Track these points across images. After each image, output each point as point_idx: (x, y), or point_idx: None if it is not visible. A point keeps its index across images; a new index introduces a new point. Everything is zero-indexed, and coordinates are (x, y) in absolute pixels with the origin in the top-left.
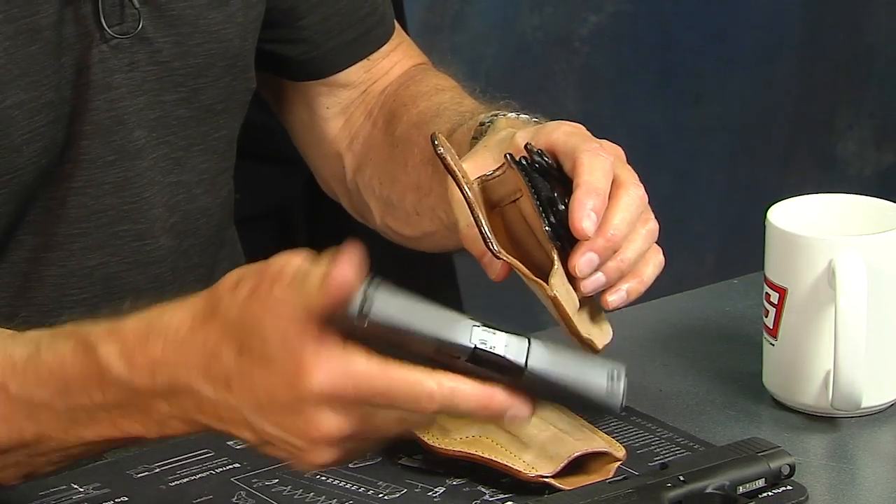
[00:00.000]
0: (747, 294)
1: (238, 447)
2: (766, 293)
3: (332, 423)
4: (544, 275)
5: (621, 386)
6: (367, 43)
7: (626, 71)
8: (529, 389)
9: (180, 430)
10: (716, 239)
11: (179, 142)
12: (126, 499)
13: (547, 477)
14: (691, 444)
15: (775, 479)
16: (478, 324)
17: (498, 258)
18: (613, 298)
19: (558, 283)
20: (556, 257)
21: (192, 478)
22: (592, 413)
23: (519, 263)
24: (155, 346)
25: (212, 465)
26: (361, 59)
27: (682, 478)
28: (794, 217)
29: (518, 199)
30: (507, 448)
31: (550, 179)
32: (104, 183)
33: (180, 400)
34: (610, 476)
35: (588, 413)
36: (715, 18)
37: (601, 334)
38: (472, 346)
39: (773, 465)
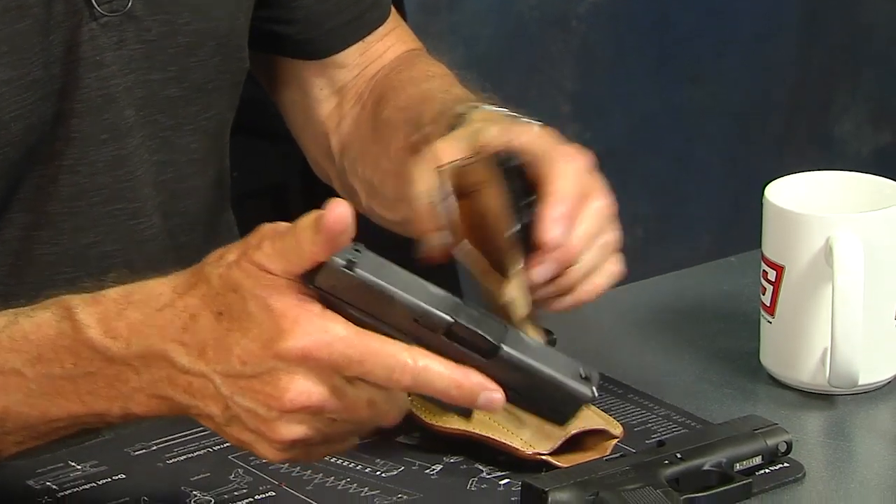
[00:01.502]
0: (744, 272)
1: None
2: (764, 271)
3: (303, 388)
4: (492, 269)
5: (592, 385)
6: (363, 25)
7: (623, 51)
8: (503, 372)
9: (144, 407)
10: (713, 219)
11: (168, 121)
12: (124, 476)
13: (544, 454)
14: (688, 421)
15: (772, 457)
16: (458, 299)
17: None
18: (557, 305)
19: (515, 288)
20: (521, 262)
21: (190, 455)
22: (564, 406)
23: (481, 258)
24: (134, 313)
25: (209, 443)
26: (357, 41)
27: (679, 455)
28: (791, 194)
29: (479, 191)
30: (505, 426)
31: (519, 181)
32: (97, 161)
33: (152, 370)
34: (607, 454)
35: (559, 407)
36: None
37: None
38: (452, 319)
39: (770, 442)
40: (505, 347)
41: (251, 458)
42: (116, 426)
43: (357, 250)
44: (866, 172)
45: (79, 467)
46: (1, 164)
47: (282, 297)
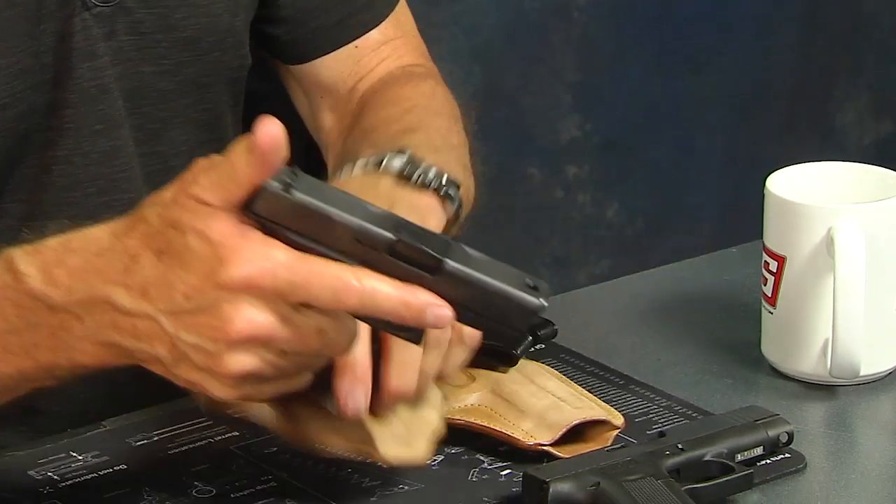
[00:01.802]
0: (746, 263)
1: (237, 415)
2: (765, 261)
3: (248, 316)
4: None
5: (541, 295)
6: (352, 27)
7: (624, 42)
8: (449, 288)
9: (90, 356)
10: (714, 209)
11: (158, 113)
12: (125, 467)
13: (545, 445)
14: (689, 412)
15: (773, 447)
16: (400, 218)
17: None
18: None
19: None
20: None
21: (191, 446)
22: (513, 319)
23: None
24: (73, 259)
25: (210, 434)
26: (346, 43)
27: (680, 446)
28: (793, 185)
29: None
30: (506, 416)
31: None
32: (92, 152)
33: (96, 315)
34: (608, 444)
35: (509, 322)
36: None
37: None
38: (393, 236)
39: (772, 433)
40: (449, 261)
41: (253, 449)
42: (67, 381)
43: (294, 173)
44: (868, 162)
45: (80, 458)
46: None
47: (221, 228)
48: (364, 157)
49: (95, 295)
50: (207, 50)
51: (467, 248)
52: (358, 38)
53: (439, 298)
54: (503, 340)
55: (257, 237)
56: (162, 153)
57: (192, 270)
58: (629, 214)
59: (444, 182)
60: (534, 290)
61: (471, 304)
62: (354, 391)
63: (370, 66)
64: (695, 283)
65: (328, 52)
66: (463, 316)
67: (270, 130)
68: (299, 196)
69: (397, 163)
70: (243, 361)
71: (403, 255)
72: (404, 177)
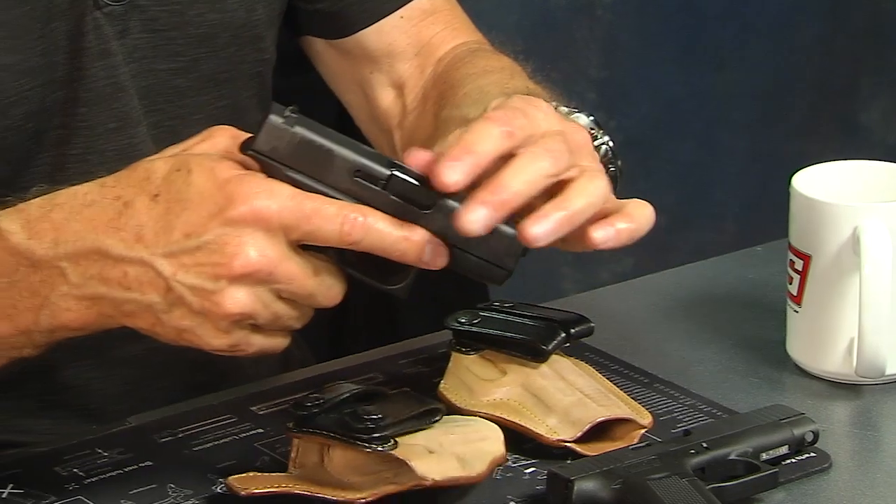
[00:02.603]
0: (771, 261)
1: (261, 413)
2: (791, 260)
3: (252, 249)
4: None
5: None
6: None
7: (648, 39)
8: (442, 224)
9: (73, 314)
10: (737, 206)
11: (175, 110)
12: (150, 463)
13: (568, 442)
14: (714, 411)
15: (799, 446)
16: (393, 159)
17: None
18: (538, 231)
19: (420, 463)
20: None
21: (216, 443)
22: (503, 252)
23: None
24: (59, 213)
25: (235, 431)
26: (390, 13)
27: (705, 444)
28: (818, 184)
29: None
30: (532, 411)
31: None
32: (106, 150)
33: (81, 267)
34: (634, 443)
35: (499, 255)
36: None
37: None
38: (390, 172)
39: (797, 432)
40: (441, 199)
41: (277, 446)
42: (44, 350)
43: (293, 111)
44: (892, 159)
45: (105, 454)
46: (2, 149)
47: (227, 167)
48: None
49: (83, 246)
50: (223, 46)
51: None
52: (401, 7)
53: (436, 238)
54: (492, 279)
55: (262, 176)
56: None
57: (195, 209)
58: None
59: (612, 158)
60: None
61: (458, 241)
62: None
63: (426, 35)
64: (719, 281)
65: (372, 23)
66: (451, 253)
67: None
68: (301, 131)
69: (584, 120)
70: (241, 300)
71: (398, 190)
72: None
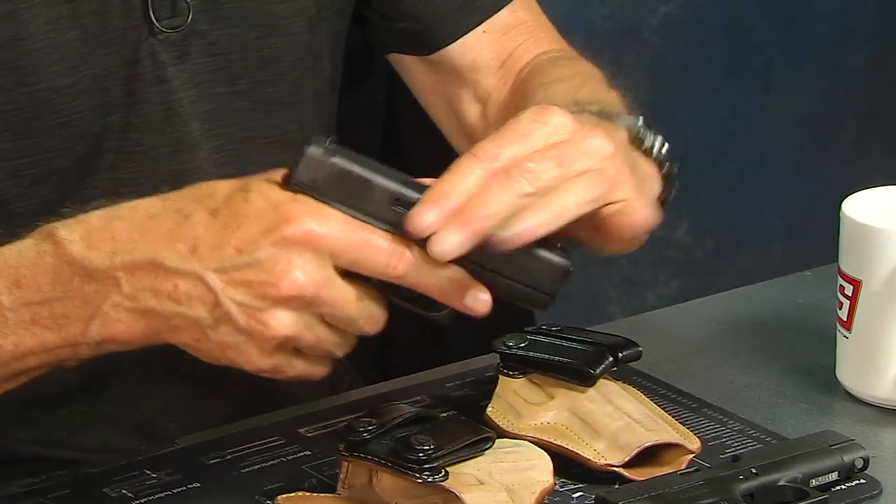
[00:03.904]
0: (820, 286)
1: (309, 435)
2: (841, 285)
3: (300, 271)
4: None
5: (569, 248)
6: (475, 11)
7: (695, 61)
8: (480, 250)
9: (123, 324)
10: (785, 230)
11: (238, 133)
12: (198, 485)
13: (615, 466)
14: (763, 436)
15: (849, 473)
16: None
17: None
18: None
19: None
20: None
21: (264, 465)
22: (544, 281)
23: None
24: (119, 225)
25: (283, 453)
26: (470, 29)
27: (754, 470)
28: (869, 208)
29: None
30: (580, 436)
31: None
32: (159, 174)
33: (136, 279)
34: (682, 468)
35: (539, 284)
36: (785, 7)
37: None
38: None
39: (847, 458)
40: None
41: (324, 469)
42: (88, 363)
43: (331, 141)
44: None
45: (154, 475)
46: (43, 170)
47: (279, 193)
48: (576, 105)
49: (140, 257)
50: (289, 69)
51: None
52: (483, 21)
53: (479, 284)
54: (534, 304)
55: (313, 201)
56: (245, 172)
57: (249, 226)
58: (698, 235)
59: (666, 156)
60: (563, 250)
61: (500, 268)
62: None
63: (509, 48)
64: (768, 305)
65: (456, 39)
66: (494, 280)
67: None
68: (339, 161)
69: (631, 122)
70: (286, 322)
71: None
72: (637, 138)
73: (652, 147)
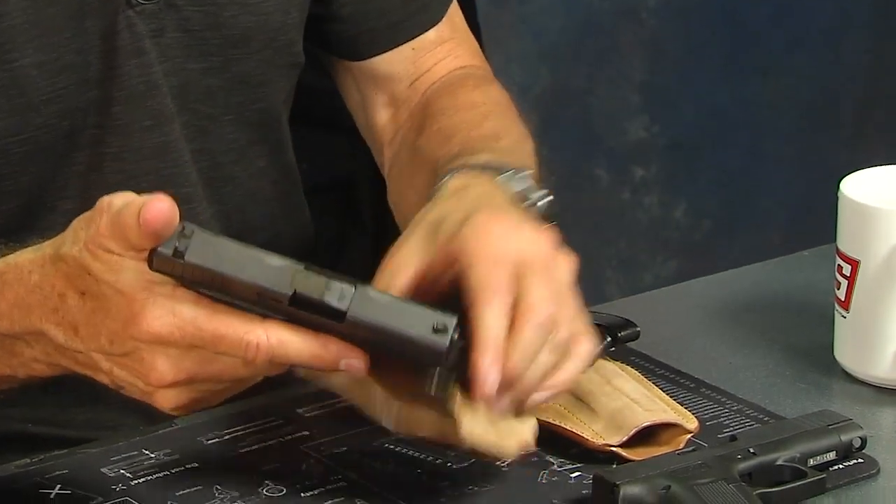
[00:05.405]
0: (818, 266)
1: (308, 415)
2: (839, 265)
3: (167, 366)
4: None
5: (447, 337)
6: (408, 28)
7: (693, 44)
8: (357, 332)
9: (48, 371)
10: (783, 214)
11: (206, 110)
12: (196, 465)
13: (613, 446)
14: (761, 416)
15: (846, 452)
16: (300, 267)
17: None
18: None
19: (469, 422)
20: (457, 397)
21: (262, 445)
22: (422, 362)
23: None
24: (10, 293)
25: (281, 433)
26: (402, 43)
27: (752, 450)
28: (867, 188)
29: None
30: (578, 416)
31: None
32: (142, 148)
33: (41, 344)
34: (680, 448)
35: (418, 364)
36: None
37: (513, 434)
38: (292, 290)
39: (845, 437)
40: (350, 312)
41: (323, 449)
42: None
43: (185, 235)
44: None
45: (152, 455)
46: (30, 147)
47: (129, 281)
48: (473, 164)
49: (34, 328)
50: (258, 48)
51: (373, 292)
52: (414, 38)
53: (350, 347)
54: (431, 356)
55: (166, 291)
56: (211, 150)
57: (111, 318)
58: (696, 216)
59: (548, 207)
60: (440, 332)
61: (378, 349)
62: (494, 369)
63: (427, 65)
64: (766, 286)
65: (385, 52)
66: (375, 357)
67: (159, 208)
68: (192, 262)
69: (519, 185)
70: (175, 398)
71: (305, 304)
72: (521, 197)
73: (534, 202)
